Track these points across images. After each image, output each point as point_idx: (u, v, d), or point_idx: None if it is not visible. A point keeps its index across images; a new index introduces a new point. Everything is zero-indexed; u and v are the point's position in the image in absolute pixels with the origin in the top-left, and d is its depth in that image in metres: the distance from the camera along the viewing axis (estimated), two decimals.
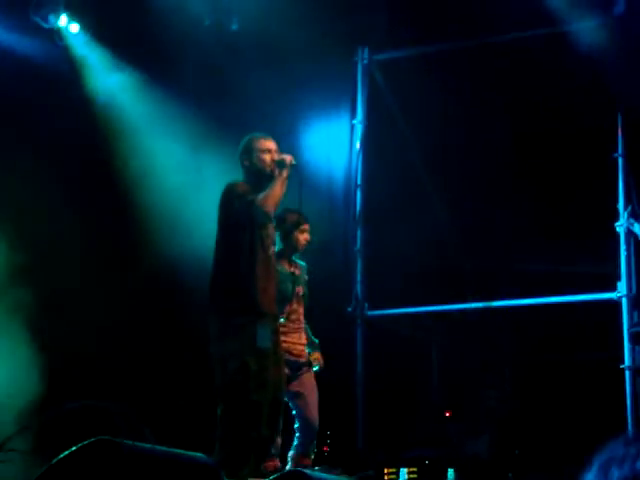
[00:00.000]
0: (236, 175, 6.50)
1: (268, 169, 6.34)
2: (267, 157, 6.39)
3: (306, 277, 7.24)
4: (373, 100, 9.08)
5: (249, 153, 6.45)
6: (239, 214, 6.17)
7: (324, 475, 5.78)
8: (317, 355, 7.14)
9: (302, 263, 7.27)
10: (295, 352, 7.01)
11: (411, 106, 8.93)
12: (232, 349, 6.03)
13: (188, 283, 7.87)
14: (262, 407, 5.97)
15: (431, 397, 8.64)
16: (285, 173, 6.29)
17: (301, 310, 7.13)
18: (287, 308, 6.99)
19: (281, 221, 7.04)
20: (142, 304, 8.20)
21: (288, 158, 6.37)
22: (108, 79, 8.56)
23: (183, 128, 8.54)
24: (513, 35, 8.33)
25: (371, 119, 9.06)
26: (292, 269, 7.13)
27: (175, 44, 8.35)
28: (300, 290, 7.12)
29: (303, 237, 7.16)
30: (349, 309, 8.72)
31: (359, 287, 8.82)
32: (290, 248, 7.14)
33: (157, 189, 8.47)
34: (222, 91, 8.48)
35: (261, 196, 6.16)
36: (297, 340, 7.05)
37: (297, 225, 7.12)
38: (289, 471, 5.90)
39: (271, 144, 6.47)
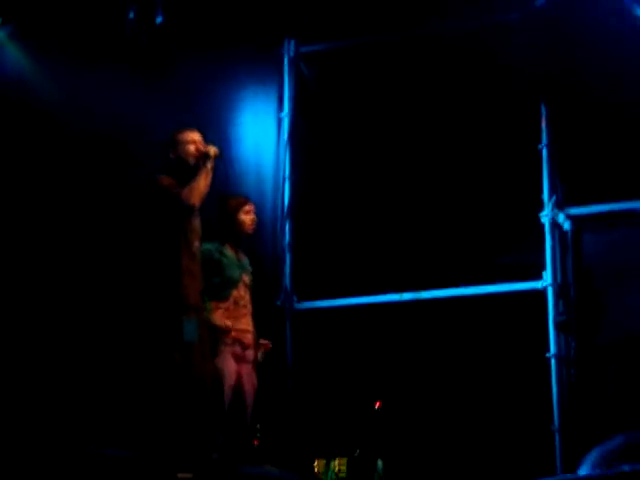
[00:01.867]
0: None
1: (192, 160, 6.31)
2: (191, 148, 6.37)
3: (251, 269, 7.23)
4: (301, 93, 9.08)
5: (174, 145, 6.43)
6: (163, 208, 6.14)
7: (253, 469, 5.79)
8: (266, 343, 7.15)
9: (246, 257, 7.25)
10: (245, 341, 6.98)
11: (338, 99, 8.93)
12: (158, 343, 6.01)
13: None
14: (190, 401, 5.95)
15: (360, 388, 8.66)
16: (209, 165, 6.27)
17: (248, 297, 7.10)
18: (234, 293, 6.98)
19: (222, 206, 7.03)
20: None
21: (212, 150, 6.36)
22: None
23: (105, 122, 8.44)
24: (437, 27, 8.39)
25: (299, 111, 9.05)
26: (238, 255, 7.12)
27: (97, 38, 8.26)
28: (246, 278, 7.11)
29: (249, 218, 7.13)
30: (278, 302, 8.74)
31: (288, 280, 8.83)
32: (235, 232, 7.10)
33: None
34: (147, 85, 8.39)
35: (186, 189, 6.14)
36: (246, 326, 7.02)
37: (240, 206, 7.09)
38: (220, 464, 5.90)
39: (195, 135, 6.45)
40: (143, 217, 6.22)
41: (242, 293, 7.05)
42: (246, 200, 7.18)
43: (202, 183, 6.19)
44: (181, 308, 6.06)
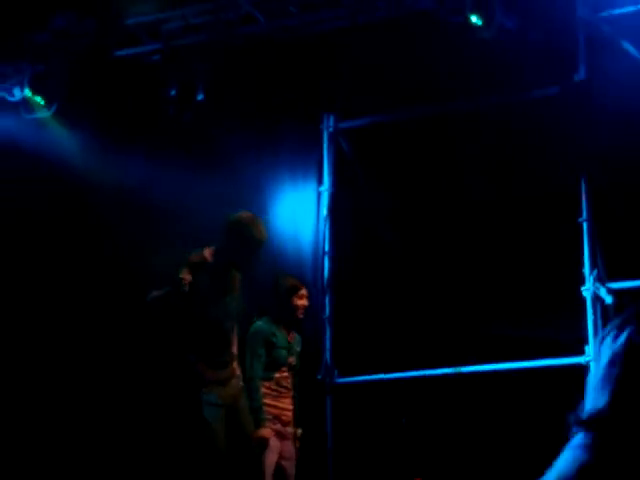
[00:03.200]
0: None
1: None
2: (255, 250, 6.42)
3: (298, 349, 7.30)
4: (340, 167, 9.15)
5: (241, 240, 6.45)
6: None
7: None
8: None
9: (297, 336, 7.32)
10: (284, 418, 7.05)
11: (377, 173, 8.99)
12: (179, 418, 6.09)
13: None
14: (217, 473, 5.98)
15: (401, 464, 8.60)
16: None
17: (291, 379, 7.18)
18: (277, 375, 7.05)
19: (277, 287, 7.10)
20: None
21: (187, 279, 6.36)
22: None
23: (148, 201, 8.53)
24: (476, 103, 8.44)
25: (338, 186, 9.12)
26: (289, 337, 7.19)
27: (141, 117, 8.39)
28: (292, 360, 7.19)
29: (301, 303, 7.23)
30: (319, 376, 8.72)
31: (328, 354, 8.82)
32: (288, 314, 7.18)
33: None
34: (189, 162, 8.49)
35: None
36: (287, 405, 7.12)
37: (294, 290, 7.19)
38: None
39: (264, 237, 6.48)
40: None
41: (285, 374, 7.11)
42: (301, 285, 7.25)
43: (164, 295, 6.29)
44: (201, 383, 6.11)
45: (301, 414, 7.45)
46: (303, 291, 7.28)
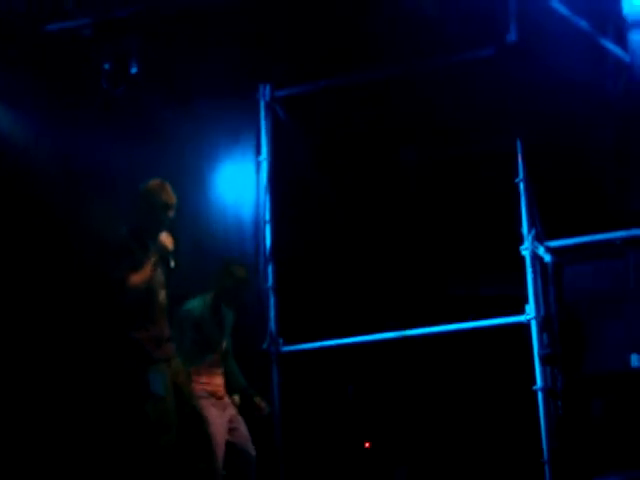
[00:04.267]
0: None
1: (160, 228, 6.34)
2: (170, 214, 6.38)
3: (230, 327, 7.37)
4: (278, 136, 9.13)
5: (150, 207, 6.42)
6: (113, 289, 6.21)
7: None
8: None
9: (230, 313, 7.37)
10: (219, 393, 7.10)
11: (315, 141, 8.99)
12: (128, 397, 6.07)
13: None
14: (169, 451, 5.96)
15: (350, 430, 8.66)
16: (156, 258, 6.28)
17: (221, 359, 7.25)
18: (210, 356, 7.10)
19: (226, 273, 7.15)
20: None
21: (169, 244, 6.38)
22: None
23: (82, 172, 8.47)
24: (410, 66, 8.45)
25: (277, 155, 9.10)
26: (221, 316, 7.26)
27: (74, 90, 8.31)
28: (224, 345, 7.26)
29: (242, 295, 7.31)
30: (264, 346, 8.73)
31: (273, 323, 8.83)
32: (228, 300, 7.26)
33: None
34: (124, 134, 8.44)
35: (135, 277, 6.17)
36: (219, 382, 7.16)
37: (244, 283, 7.27)
38: None
39: (173, 199, 6.45)
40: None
41: (217, 356, 7.20)
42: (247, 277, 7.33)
43: (147, 274, 6.22)
44: (147, 361, 6.10)
45: (249, 384, 7.49)
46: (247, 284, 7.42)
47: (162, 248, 6.35)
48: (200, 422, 6.38)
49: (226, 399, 7.25)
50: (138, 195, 6.49)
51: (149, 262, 6.23)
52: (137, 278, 6.18)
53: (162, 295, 6.39)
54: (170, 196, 6.45)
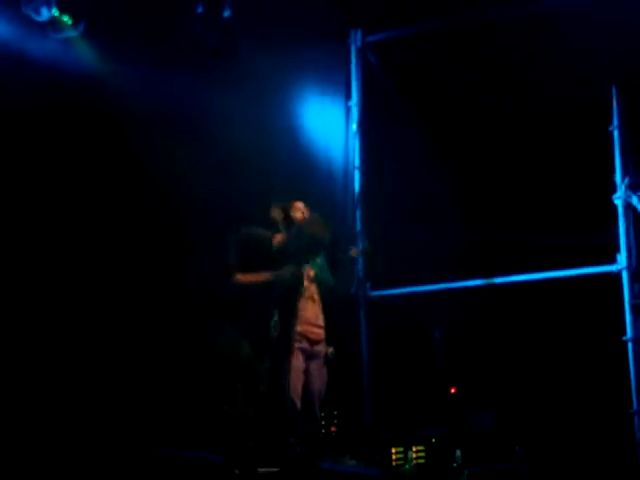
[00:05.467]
0: None
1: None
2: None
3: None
4: (369, 81, 9.11)
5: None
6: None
7: (333, 464, 5.87)
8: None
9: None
10: (313, 337, 7.13)
11: (406, 86, 8.95)
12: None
13: None
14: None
15: (436, 375, 8.70)
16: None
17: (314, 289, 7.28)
18: None
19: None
20: None
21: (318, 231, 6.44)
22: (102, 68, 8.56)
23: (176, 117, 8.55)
24: (505, 12, 8.35)
25: (368, 100, 9.08)
26: None
27: (169, 33, 8.35)
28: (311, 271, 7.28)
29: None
30: (352, 290, 8.77)
31: (361, 268, 8.87)
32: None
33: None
34: (216, 78, 8.49)
35: (243, 277, 6.30)
36: (314, 321, 7.18)
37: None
38: (299, 460, 5.98)
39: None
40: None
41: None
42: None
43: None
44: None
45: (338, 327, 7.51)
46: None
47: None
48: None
49: (320, 347, 7.23)
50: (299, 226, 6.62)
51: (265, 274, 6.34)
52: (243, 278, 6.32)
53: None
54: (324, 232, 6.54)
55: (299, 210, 6.99)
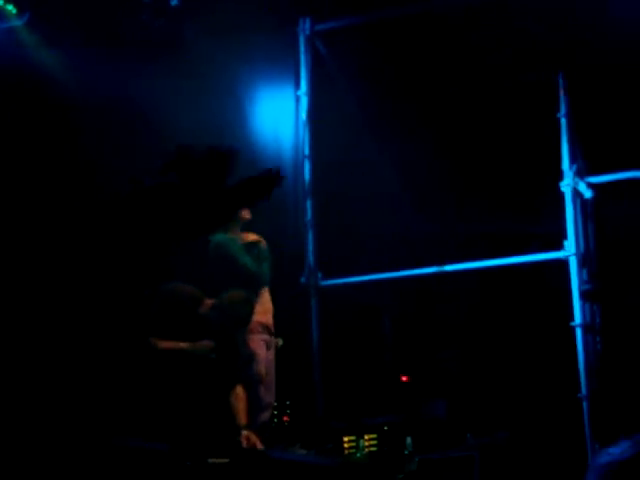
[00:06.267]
0: None
1: None
2: None
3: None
4: (318, 70, 9.08)
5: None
6: None
7: (282, 453, 5.87)
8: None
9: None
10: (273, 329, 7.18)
11: (355, 75, 8.94)
12: None
13: None
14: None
15: (387, 363, 8.72)
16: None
17: None
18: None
19: None
20: None
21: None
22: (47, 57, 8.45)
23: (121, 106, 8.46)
24: (452, 1, 8.38)
25: (317, 89, 9.06)
26: None
27: (113, 22, 8.28)
28: None
29: None
30: (302, 279, 8.77)
31: (311, 257, 8.86)
32: None
33: None
34: (163, 68, 8.42)
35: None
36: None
37: None
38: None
39: None
40: None
41: None
42: None
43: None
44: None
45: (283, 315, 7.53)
46: None
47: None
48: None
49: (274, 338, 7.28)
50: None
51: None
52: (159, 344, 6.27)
53: None
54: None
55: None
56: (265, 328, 7.12)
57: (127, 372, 7.08)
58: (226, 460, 5.50)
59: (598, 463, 2.05)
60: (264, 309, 7.14)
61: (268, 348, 7.15)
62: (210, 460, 5.65)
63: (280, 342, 7.35)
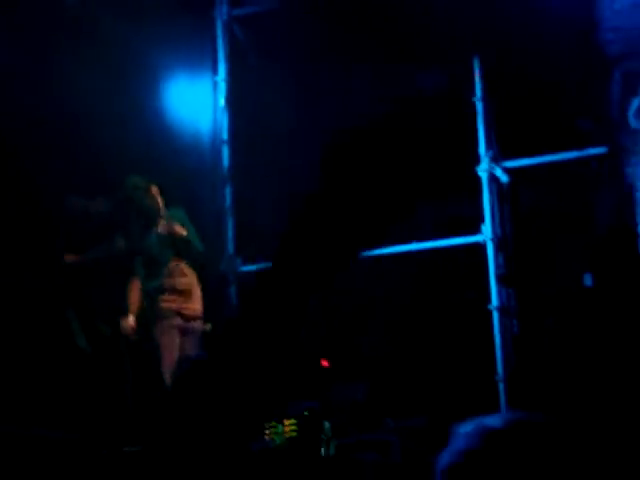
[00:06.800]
0: None
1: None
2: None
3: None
4: (236, 56, 9.03)
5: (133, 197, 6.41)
6: None
7: None
8: None
9: None
10: (187, 313, 7.10)
11: (273, 60, 8.90)
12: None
13: None
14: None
15: (306, 347, 8.72)
16: None
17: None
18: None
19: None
20: None
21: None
22: None
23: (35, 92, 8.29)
24: None
25: (235, 75, 9.01)
26: None
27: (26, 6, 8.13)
28: None
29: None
30: (222, 266, 8.74)
31: (231, 244, 8.84)
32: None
33: None
34: (78, 51, 8.29)
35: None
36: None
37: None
38: (163, 437, 5.94)
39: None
40: None
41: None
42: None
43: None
44: None
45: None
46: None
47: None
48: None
49: (195, 323, 7.22)
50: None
51: None
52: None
53: None
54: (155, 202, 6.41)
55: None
56: (174, 313, 7.06)
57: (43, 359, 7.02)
58: (139, 448, 5.48)
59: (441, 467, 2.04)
60: (176, 294, 7.09)
61: (184, 334, 7.08)
62: (126, 449, 5.63)
63: (208, 327, 7.31)
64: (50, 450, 5.40)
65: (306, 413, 7.69)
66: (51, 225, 6.20)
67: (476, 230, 8.00)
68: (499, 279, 7.94)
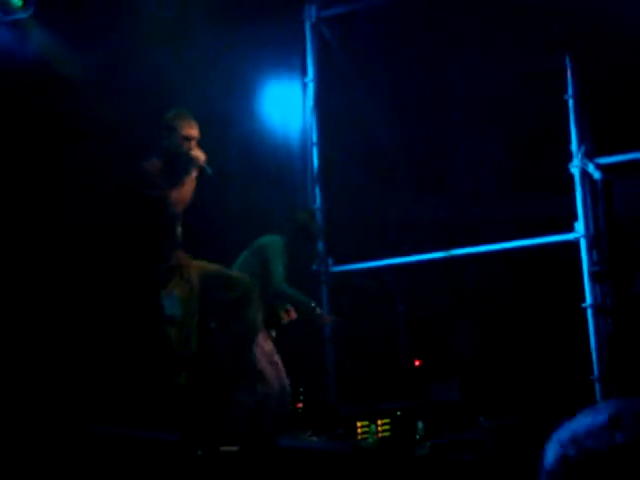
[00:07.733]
0: None
1: (184, 159, 6.25)
2: (187, 145, 6.29)
3: None
4: (325, 57, 9.07)
5: (171, 132, 6.33)
6: (150, 210, 6.16)
7: (292, 441, 5.89)
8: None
9: None
10: None
11: (362, 60, 8.92)
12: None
13: None
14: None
15: (399, 348, 8.73)
16: (195, 173, 6.24)
17: None
18: None
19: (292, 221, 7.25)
20: None
21: (202, 158, 6.30)
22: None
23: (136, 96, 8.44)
24: None
25: (324, 76, 9.06)
26: None
27: (120, 10, 8.26)
28: None
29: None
30: (314, 266, 8.79)
31: (322, 244, 8.88)
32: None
33: None
34: (172, 55, 8.41)
35: (174, 195, 6.13)
36: None
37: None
38: (258, 437, 6.00)
39: (195, 132, 6.35)
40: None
41: None
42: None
43: (188, 191, 6.20)
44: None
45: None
46: None
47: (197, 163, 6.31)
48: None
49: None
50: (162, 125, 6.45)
51: (189, 178, 6.22)
52: (177, 194, 6.17)
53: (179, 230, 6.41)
54: (190, 129, 6.37)
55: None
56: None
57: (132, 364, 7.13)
58: (236, 448, 5.53)
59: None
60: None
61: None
62: (222, 449, 5.69)
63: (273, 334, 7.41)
64: (146, 451, 5.48)
65: (399, 413, 7.70)
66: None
67: (570, 228, 7.91)
68: (592, 277, 7.83)
